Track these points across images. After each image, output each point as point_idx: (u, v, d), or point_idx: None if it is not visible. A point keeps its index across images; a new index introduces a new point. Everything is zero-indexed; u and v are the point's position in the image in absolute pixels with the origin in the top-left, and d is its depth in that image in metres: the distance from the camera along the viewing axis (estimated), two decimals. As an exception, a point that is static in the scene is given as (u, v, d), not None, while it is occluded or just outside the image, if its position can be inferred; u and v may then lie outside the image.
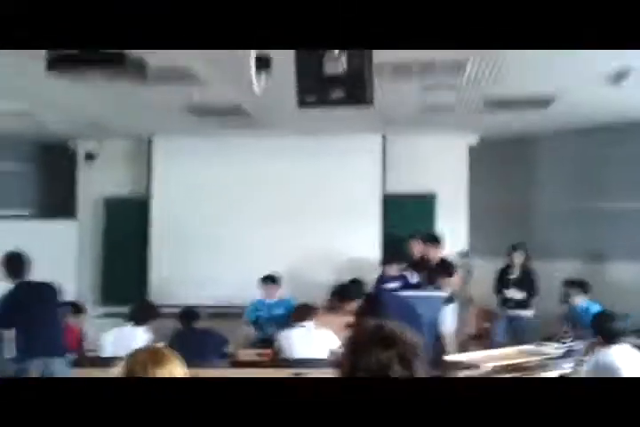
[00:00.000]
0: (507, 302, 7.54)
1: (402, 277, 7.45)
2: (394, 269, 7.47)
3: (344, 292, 6.43)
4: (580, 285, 6.75)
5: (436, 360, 6.00)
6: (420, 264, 7.58)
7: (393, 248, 8.32)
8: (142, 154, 9.02)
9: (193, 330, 5.90)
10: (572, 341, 5.98)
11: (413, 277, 7.47)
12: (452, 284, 7.40)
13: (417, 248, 7.79)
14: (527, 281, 7.53)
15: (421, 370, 1.72)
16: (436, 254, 7.53)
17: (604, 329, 4.70)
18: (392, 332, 1.75)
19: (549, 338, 6.75)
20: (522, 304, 7.47)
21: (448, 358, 5.96)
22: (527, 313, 7.50)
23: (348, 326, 4.76)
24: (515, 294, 7.46)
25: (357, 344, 1.76)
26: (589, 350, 4.80)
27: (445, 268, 7.49)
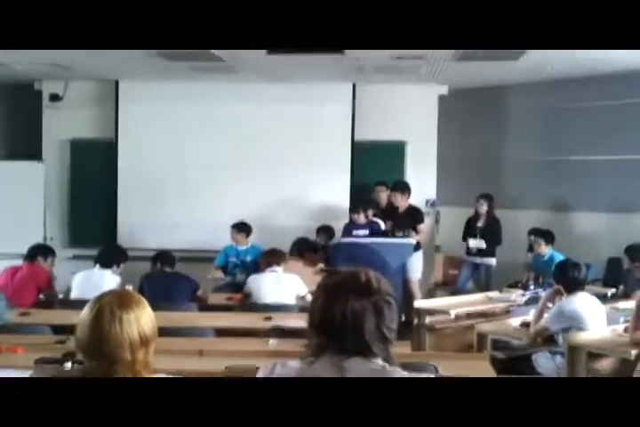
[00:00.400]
0: (471, 251, 7.63)
1: (370, 225, 7.49)
2: (362, 217, 7.49)
3: (302, 247, 6.51)
4: (545, 234, 6.86)
5: (404, 307, 6.11)
6: (389, 212, 7.61)
7: (362, 196, 8.35)
8: (109, 96, 8.83)
9: (164, 273, 5.92)
10: (535, 288, 6.11)
11: (381, 225, 7.51)
12: (420, 231, 7.46)
13: (383, 196, 7.82)
14: (492, 230, 7.62)
15: (391, 318, 1.74)
16: (403, 202, 7.56)
17: (567, 278, 4.81)
18: (368, 280, 1.74)
19: (514, 285, 6.91)
20: (486, 252, 7.57)
21: (416, 304, 6.06)
22: (491, 261, 7.61)
23: (319, 271, 4.80)
24: (478, 243, 7.56)
25: (331, 292, 1.75)
26: (552, 297, 4.91)
27: (413, 215, 7.54)
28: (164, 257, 6.05)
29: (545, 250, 6.78)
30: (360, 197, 8.29)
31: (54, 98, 8.78)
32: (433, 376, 2.63)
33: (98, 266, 5.87)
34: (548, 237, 6.83)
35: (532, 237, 7.04)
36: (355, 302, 1.70)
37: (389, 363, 1.75)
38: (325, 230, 7.58)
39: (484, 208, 7.61)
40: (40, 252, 6.29)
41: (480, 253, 7.58)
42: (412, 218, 7.49)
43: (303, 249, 6.71)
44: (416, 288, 7.50)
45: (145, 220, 8.63)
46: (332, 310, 1.71)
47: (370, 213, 7.51)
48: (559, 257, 6.37)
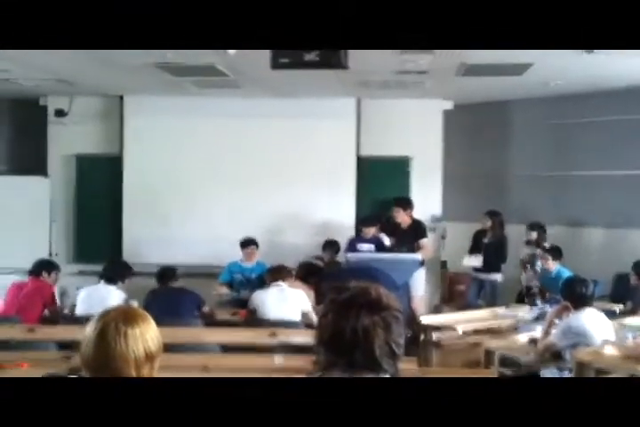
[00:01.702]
0: (475, 267, 7.62)
1: (375, 240, 7.48)
2: (368, 231, 7.49)
3: (306, 273, 6.48)
4: (552, 250, 6.83)
5: (410, 323, 6.08)
6: (392, 228, 7.60)
7: (367, 211, 8.33)
8: (114, 111, 8.87)
9: (169, 289, 5.89)
10: (543, 304, 6.07)
11: (386, 240, 7.50)
12: (423, 247, 7.44)
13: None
14: (497, 247, 7.59)
15: (399, 333, 1.74)
16: (406, 218, 7.55)
17: (574, 294, 4.79)
18: (377, 296, 1.75)
19: (521, 301, 6.88)
20: (490, 268, 7.54)
21: (423, 320, 6.02)
22: (496, 277, 7.59)
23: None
24: (473, 261, 7.55)
25: (341, 307, 1.74)
26: (559, 313, 4.88)
27: (416, 231, 7.53)
28: (168, 272, 6.03)
29: (552, 266, 6.75)
30: (365, 212, 8.27)
31: (59, 113, 8.81)
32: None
33: (103, 281, 5.86)
34: (555, 253, 6.80)
35: (541, 253, 6.99)
36: (365, 317, 1.69)
37: None
38: (331, 245, 7.56)
39: (488, 224, 7.60)
40: (45, 267, 6.28)
41: (485, 268, 7.55)
42: (415, 233, 7.48)
43: (307, 275, 6.72)
44: (419, 304, 7.47)
45: (150, 235, 8.61)
46: (343, 326, 1.70)
47: (376, 228, 7.50)
48: (566, 273, 6.34)
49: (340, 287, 1.82)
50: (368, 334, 1.68)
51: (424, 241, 7.47)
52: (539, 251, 7.07)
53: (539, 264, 7.07)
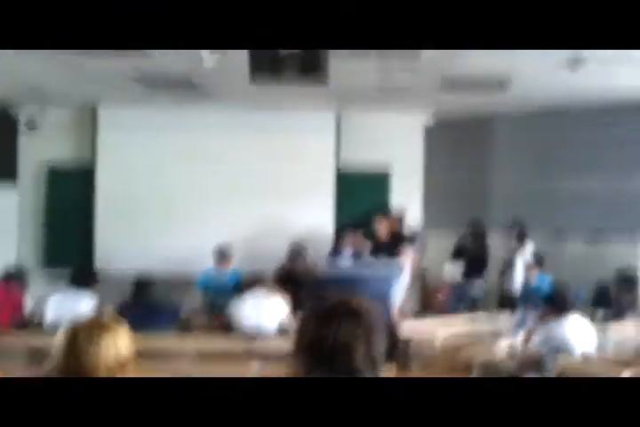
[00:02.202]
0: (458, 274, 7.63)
1: (355, 253, 7.42)
2: (349, 240, 7.44)
3: (283, 281, 6.42)
4: (535, 258, 6.84)
5: (389, 331, 6.01)
6: (375, 240, 7.56)
7: (346, 223, 8.28)
8: (87, 123, 8.76)
9: (145, 303, 5.69)
10: (524, 310, 6.04)
11: (366, 252, 7.44)
12: (406, 258, 7.40)
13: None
14: (479, 254, 7.59)
15: (380, 343, 1.70)
16: (384, 230, 7.52)
17: (556, 301, 4.76)
18: (359, 305, 1.72)
19: (502, 307, 6.87)
20: (473, 275, 7.53)
21: (403, 326, 5.97)
22: (477, 283, 7.56)
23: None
24: (453, 269, 7.57)
25: (322, 315, 1.71)
26: (541, 319, 4.85)
27: (395, 240, 7.50)
28: (142, 285, 5.80)
29: (534, 273, 6.75)
30: (344, 224, 8.24)
31: (31, 124, 8.65)
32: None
33: (73, 288, 5.70)
34: (537, 260, 6.82)
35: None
36: (345, 326, 1.66)
37: None
38: (297, 252, 7.47)
39: (470, 233, 7.63)
40: (14, 274, 6.16)
41: (466, 275, 7.55)
42: (394, 243, 7.45)
43: (285, 282, 6.64)
44: (395, 313, 7.44)
45: (124, 245, 8.47)
46: (323, 334, 1.66)
47: (360, 237, 7.46)
48: (547, 280, 6.34)
49: (321, 297, 1.78)
50: (348, 343, 1.65)
51: (403, 248, 7.43)
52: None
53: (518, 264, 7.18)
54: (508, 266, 7.39)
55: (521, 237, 7.34)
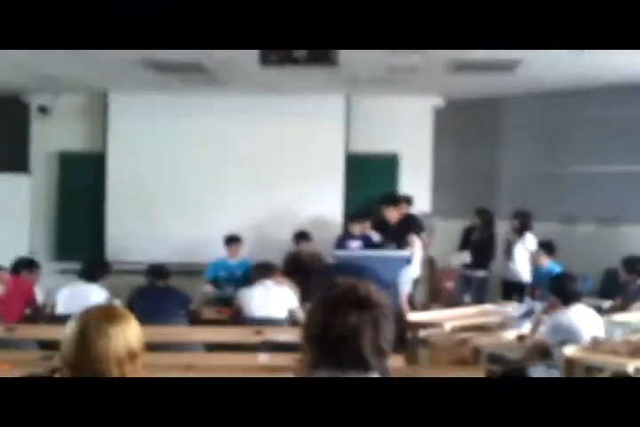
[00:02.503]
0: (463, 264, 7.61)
1: (364, 237, 7.42)
2: (357, 229, 7.43)
3: (291, 269, 6.42)
4: (545, 246, 6.77)
5: (397, 321, 6.01)
6: (381, 225, 7.53)
7: (355, 208, 8.28)
8: (98, 108, 8.77)
9: (156, 288, 5.79)
10: (532, 301, 6.04)
11: (374, 238, 7.43)
12: (413, 243, 7.38)
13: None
14: (485, 244, 7.56)
15: (388, 331, 1.72)
16: (393, 215, 7.47)
17: (563, 290, 4.76)
18: (367, 293, 1.72)
19: (508, 298, 6.85)
20: (478, 265, 7.52)
21: (410, 317, 5.98)
22: (483, 274, 7.57)
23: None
24: (460, 258, 7.54)
25: (330, 305, 1.72)
26: (547, 310, 4.85)
27: (407, 227, 7.46)
28: (156, 271, 5.93)
29: (545, 262, 6.70)
30: (354, 208, 8.23)
31: (43, 110, 8.71)
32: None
33: (83, 280, 5.75)
34: (547, 248, 6.75)
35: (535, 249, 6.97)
36: (353, 315, 1.67)
37: (385, 376, 1.72)
38: (303, 237, 7.48)
39: (477, 222, 7.59)
40: (25, 265, 6.18)
41: (473, 265, 7.53)
42: (403, 229, 7.41)
43: (292, 271, 6.64)
44: (404, 302, 7.43)
45: (135, 233, 8.53)
46: (331, 324, 1.68)
47: (367, 225, 7.45)
48: (557, 270, 6.31)
49: (328, 285, 1.78)
50: (356, 332, 1.66)
51: (411, 237, 7.40)
52: (530, 245, 7.10)
53: (516, 254, 7.18)
54: (507, 257, 7.38)
55: (521, 230, 7.30)
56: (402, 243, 7.16)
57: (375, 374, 1.70)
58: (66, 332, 2.09)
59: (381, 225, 7.50)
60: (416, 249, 7.16)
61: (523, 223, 7.31)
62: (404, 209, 7.55)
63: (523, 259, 7.25)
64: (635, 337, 4.71)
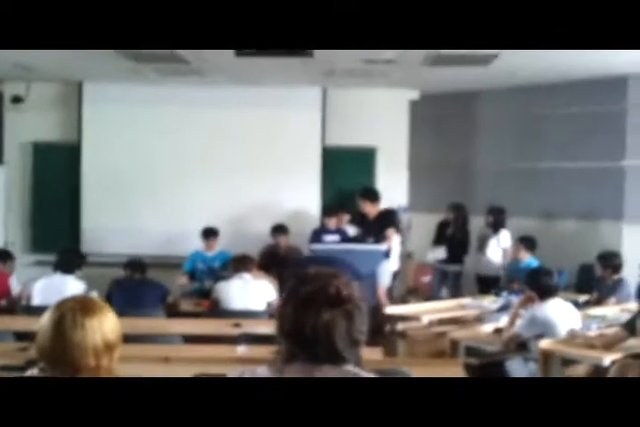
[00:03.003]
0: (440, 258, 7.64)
1: (340, 231, 7.42)
2: (334, 222, 7.43)
3: (268, 263, 6.42)
4: (526, 241, 6.80)
5: (374, 314, 6.01)
6: (359, 219, 7.54)
7: (332, 201, 8.28)
8: (73, 98, 8.65)
9: (133, 279, 5.79)
10: (509, 294, 6.08)
11: (350, 231, 7.44)
12: (390, 237, 7.39)
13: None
14: (459, 239, 7.60)
15: (362, 322, 1.72)
16: (372, 209, 7.48)
17: (540, 284, 4.80)
18: (337, 290, 1.71)
19: (484, 291, 6.89)
20: (453, 260, 7.56)
21: (388, 310, 6.00)
22: (459, 268, 7.61)
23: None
24: (436, 254, 7.56)
25: (301, 303, 1.71)
26: (524, 304, 4.89)
27: (382, 221, 7.47)
28: (134, 264, 5.93)
29: (525, 256, 6.74)
30: (335, 201, 8.23)
31: (16, 99, 8.58)
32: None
33: (59, 272, 5.69)
34: (528, 243, 6.78)
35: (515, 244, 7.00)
36: (325, 313, 1.67)
37: (359, 366, 1.73)
38: (281, 230, 7.47)
39: (451, 216, 7.61)
40: (0, 256, 6.11)
41: (449, 260, 7.56)
42: (381, 224, 7.42)
43: (269, 264, 6.63)
44: (382, 295, 7.45)
45: (111, 225, 8.45)
46: (303, 322, 1.68)
47: (345, 219, 7.46)
48: (535, 264, 6.36)
49: (300, 276, 1.77)
50: (329, 329, 1.66)
51: (390, 231, 7.41)
52: (504, 242, 7.15)
53: (490, 249, 7.24)
54: (481, 252, 7.41)
55: (495, 226, 7.34)
56: (380, 237, 7.17)
57: (350, 367, 1.70)
58: (41, 323, 2.08)
59: (359, 219, 7.52)
60: (394, 243, 7.17)
61: (496, 219, 7.35)
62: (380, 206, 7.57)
63: (496, 254, 7.29)
64: (609, 331, 4.75)
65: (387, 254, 7.28)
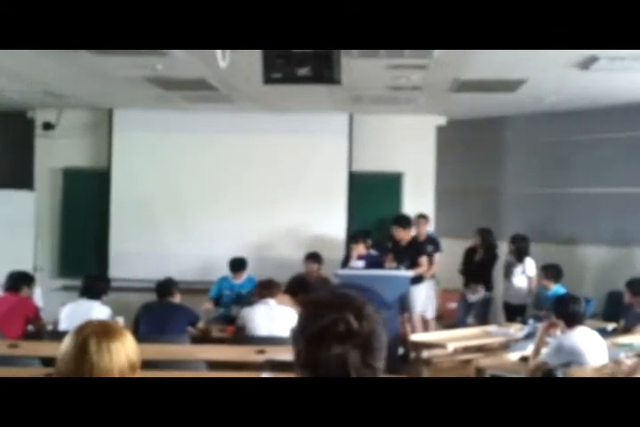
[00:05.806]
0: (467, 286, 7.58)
1: (368, 256, 7.42)
2: (360, 248, 7.44)
3: (296, 288, 6.42)
4: (552, 270, 6.72)
5: (402, 341, 6.00)
6: (392, 245, 7.55)
7: (359, 227, 8.28)
8: (103, 124, 8.81)
9: (164, 303, 5.77)
10: (535, 322, 6.01)
11: (379, 257, 7.43)
12: (421, 264, 7.40)
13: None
14: (487, 264, 7.54)
15: (379, 348, 1.65)
16: (405, 236, 7.51)
17: (566, 312, 4.73)
18: (347, 326, 1.64)
19: (512, 319, 6.81)
20: (480, 287, 7.50)
21: (413, 337, 5.96)
22: (487, 295, 7.52)
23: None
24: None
25: (311, 339, 1.64)
26: (547, 330, 4.83)
27: (415, 248, 7.49)
28: (164, 287, 5.91)
29: (549, 285, 6.66)
30: (362, 227, 8.22)
31: (47, 126, 8.73)
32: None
33: (85, 298, 5.74)
34: (552, 271, 6.69)
35: (541, 272, 6.92)
36: (335, 348, 1.60)
37: None
38: (314, 258, 7.46)
39: (479, 242, 7.56)
40: (24, 281, 6.10)
41: (474, 286, 7.50)
42: (413, 251, 7.44)
43: (297, 289, 6.65)
44: (416, 322, 7.43)
45: (139, 250, 8.53)
46: (314, 356, 1.62)
47: (368, 244, 7.46)
48: (561, 291, 6.28)
49: (311, 305, 1.74)
50: (342, 361, 1.60)
51: (422, 259, 7.43)
52: (530, 271, 7.09)
53: (516, 276, 7.17)
54: (507, 279, 7.35)
55: (519, 254, 7.27)
56: (411, 263, 7.21)
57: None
58: (62, 348, 2.09)
59: (393, 245, 7.53)
60: (425, 267, 7.22)
61: (520, 247, 7.28)
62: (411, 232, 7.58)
63: (522, 282, 7.22)
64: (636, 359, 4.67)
65: (418, 280, 7.30)
